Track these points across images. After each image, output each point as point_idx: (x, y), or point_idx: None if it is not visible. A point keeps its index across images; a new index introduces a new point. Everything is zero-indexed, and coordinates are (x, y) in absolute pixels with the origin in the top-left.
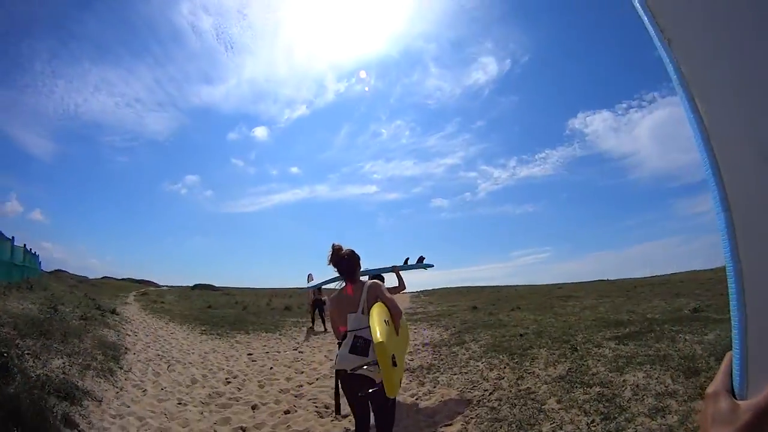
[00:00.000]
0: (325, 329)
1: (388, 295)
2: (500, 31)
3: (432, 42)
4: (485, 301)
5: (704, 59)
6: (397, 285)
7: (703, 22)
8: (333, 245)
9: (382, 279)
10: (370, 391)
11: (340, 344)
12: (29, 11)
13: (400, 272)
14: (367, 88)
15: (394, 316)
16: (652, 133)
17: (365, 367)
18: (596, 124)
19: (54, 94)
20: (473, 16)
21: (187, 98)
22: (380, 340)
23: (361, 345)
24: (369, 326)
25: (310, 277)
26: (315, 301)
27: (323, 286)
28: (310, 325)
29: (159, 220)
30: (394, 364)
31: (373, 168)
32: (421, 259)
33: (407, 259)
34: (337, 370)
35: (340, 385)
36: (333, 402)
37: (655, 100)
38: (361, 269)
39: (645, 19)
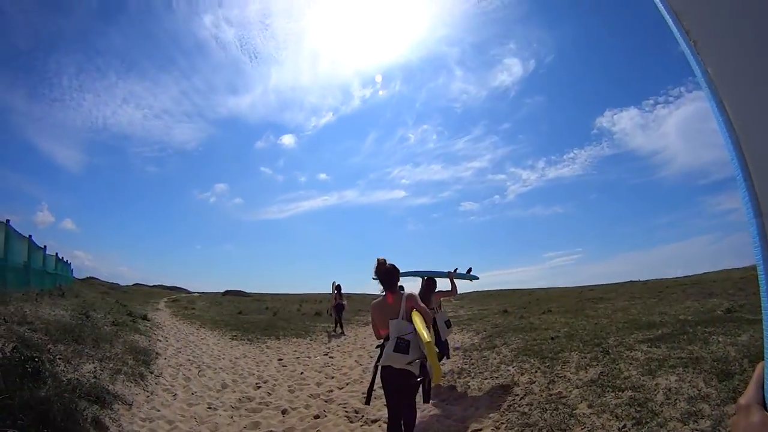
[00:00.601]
0: (343, 332)
1: (421, 304)
2: (523, 32)
3: (455, 46)
4: (516, 304)
5: (731, 61)
6: (450, 289)
7: (730, 23)
8: (378, 259)
9: (434, 281)
10: (417, 380)
11: (379, 346)
12: (55, 28)
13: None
14: (381, 92)
15: (427, 322)
16: (679, 129)
17: (410, 363)
18: (623, 121)
19: (82, 107)
20: (494, 17)
21: (214, 108)
22: (428, 340)
23: (403, 346)
24: (410, 331)
25: (334, 284)
26: (337, 305)
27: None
28: (333, 328)
29: (189, 228)
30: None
31: (401, 173)
32: (469, 270)
33: (456, 269)
34: (382, 366)
35: (378, 379)
36: (362, 407)
37: (681, 95)
38: (418, 271)
39: (669, 20)
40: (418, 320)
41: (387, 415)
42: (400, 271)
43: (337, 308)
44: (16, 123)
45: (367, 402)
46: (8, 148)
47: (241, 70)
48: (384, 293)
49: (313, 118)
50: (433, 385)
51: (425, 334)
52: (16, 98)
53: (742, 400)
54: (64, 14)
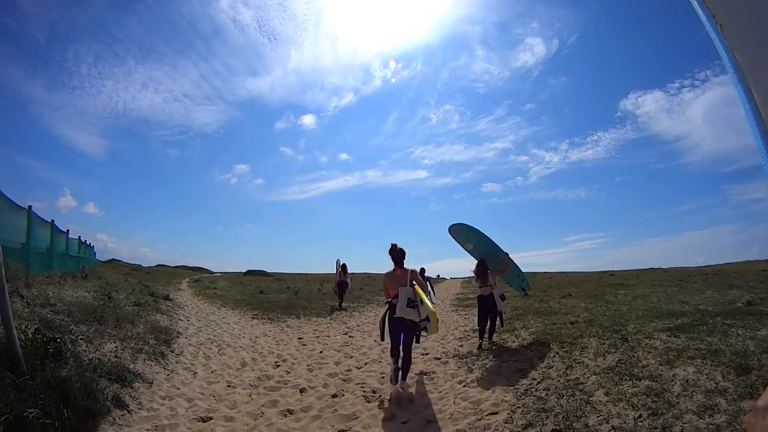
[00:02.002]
0: (341, 306)
1: (419, 278)
2: (546, 11)
3: (477, 24)
4: (537, 287)
5: (759, 45)
6: (503, 268)
7: (757, 7)
8: (391, 244)
9: (486, 264)
10: (418, 322)
11: (389, 303)
12: (72, 18)
13: (509, 259)
14: (394, 80)
15: (423, 291)
16: (705, 113)
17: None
18: (648, 104)
19: (101, 94)
20: None
21: (234, 91)
22: (433, 311)
23: (411, 303)
24: (413, 295)
25: (338, 263)
26: (340, 283)
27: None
28: (338, 304)
29: (210, 209)
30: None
31: (423, 153)
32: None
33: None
34: (395, 317)
35: (388, 322)
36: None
37: (708, 78)
38: (485, 235)
39: (695, 3)
40: (420, 291)
41: (391, 345)
42: (471, 227)
43: (340, 285)
44: (37, 113)
45: (382, 338)
46: (30, 137)
47: (260, 52)
48: (394, 267)
49: (334, 98)
50: (432, 333)
51: (430, 306)
52: (36, 89)
53: (761, 402)
54: (80, 5)
